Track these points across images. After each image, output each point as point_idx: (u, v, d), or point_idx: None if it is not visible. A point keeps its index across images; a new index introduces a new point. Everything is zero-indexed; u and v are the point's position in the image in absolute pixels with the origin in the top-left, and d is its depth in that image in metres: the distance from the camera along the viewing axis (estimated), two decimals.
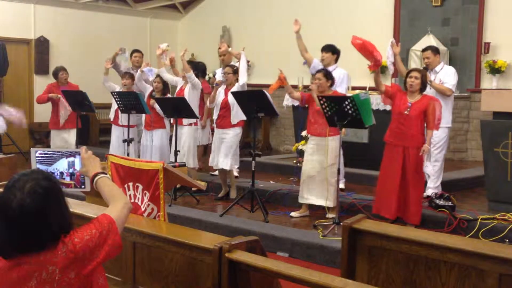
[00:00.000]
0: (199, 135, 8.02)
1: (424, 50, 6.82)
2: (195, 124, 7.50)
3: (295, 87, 9.60)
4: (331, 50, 6.92)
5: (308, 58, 7.08)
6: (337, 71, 6.85)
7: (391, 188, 5.77)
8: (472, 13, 9.36)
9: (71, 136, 8.52)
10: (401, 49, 10.01)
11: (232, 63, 7.57)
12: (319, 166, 6.14)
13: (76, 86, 8.64)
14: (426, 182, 6.58)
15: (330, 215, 6.17)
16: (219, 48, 7.88)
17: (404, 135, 5.75)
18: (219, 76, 7.39)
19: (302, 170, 6.36)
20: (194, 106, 7.31)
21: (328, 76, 6.19)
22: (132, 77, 8.01)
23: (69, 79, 8.81)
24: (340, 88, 6.69)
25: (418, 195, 5.80)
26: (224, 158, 6.89)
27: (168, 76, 7.68)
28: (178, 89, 7.66)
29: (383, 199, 5.87)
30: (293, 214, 6.44)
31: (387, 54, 6.75)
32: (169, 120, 7.66)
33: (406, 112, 5.75)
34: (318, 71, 6.32)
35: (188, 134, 7.39)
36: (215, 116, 7.27)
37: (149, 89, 7.82)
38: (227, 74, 6.99)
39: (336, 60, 6.95)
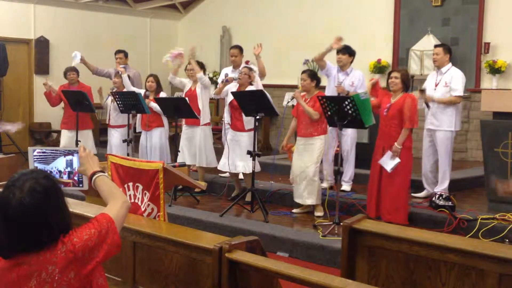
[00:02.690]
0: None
1: (436, 46, 6.78)
2: (208, 124, 7.50)
3: (295, 86, 9.63)
4: (348, 52, 6.92)
5: (321, 63, 7.03)
6: (356, 73, 6.92)
7: (371, 188, 5.98)
8: (472, 13, 9.36)
9: (84, 137, 8.29)
10: (401, 49, 10.09)
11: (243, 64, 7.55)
12: (303, 166, 6.23)
13: (88, 87, 8.54)
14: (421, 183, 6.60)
15: (317, 213, 6.25)
16: (233, 47, 7.82)
17: (384, 135, 5.88)
18: (230, 75, 7.37)
19: (291, 170, 6.44)
20: (206, 105, 7.38)
21: (313, 76, 6.29)
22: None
23: (78, 78, 8.78)
24: (361, 90, 6.72)
25: (397, 194, 5.80)
26: (242, 162, 6.78)
27: (177, 81, 7.65)
28: (186, 90, 7.57)
29: (369, 199, 6.06)
30: (294, 210, 6.51)
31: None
32: (178, 121, 7.58)
33: (385, 112, 5.86)
34: (303, 72, 6.43)
35: (204, 133, 7.36)
36: (225, 118, 7.24)
37: (141, 91, 7.76)
38: (243, 74, 6.89)
39: (351, 62, 6.96)
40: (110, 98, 7.83)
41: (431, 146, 6.55)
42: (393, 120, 5.79)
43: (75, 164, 2.85)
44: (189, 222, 6.03)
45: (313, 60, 7.31)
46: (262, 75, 7.32)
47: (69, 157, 2.87)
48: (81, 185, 2.91)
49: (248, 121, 6.79)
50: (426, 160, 6.63)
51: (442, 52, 6.50)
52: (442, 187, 6.45)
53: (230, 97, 6.88)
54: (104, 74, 9.14)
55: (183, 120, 7.49)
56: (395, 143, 5.71)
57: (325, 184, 6.95)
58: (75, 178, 2.88)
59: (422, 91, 6.41)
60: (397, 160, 5.72)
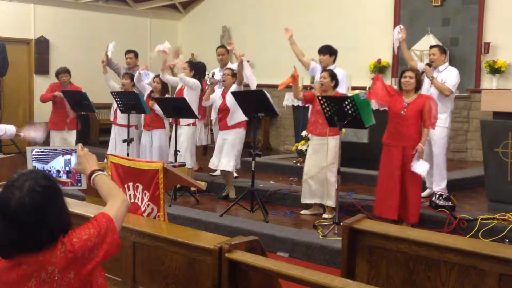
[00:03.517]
0: (198, 135, 8.01)
1: (432, 47, 6.88)
2: (194, 124, 7.49)
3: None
4: (329, 52, 6.92)
5: (305, 62, 7.11)
6: (337, 72, 6.86)
7: (392, 189, 5.77)
8: (472, 13, 9.37)
9: (71, 136, 8.53)
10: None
11: (229, 64, 7.59)
12: (319, 166, 6.16)
13: (79, 88, 8.62)
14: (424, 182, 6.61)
15: (326, 215, 6.19)
16: (220, 47, 7.90)
17: (401, 135, 5.77)
18: (217, 76, 7.40)
19: (304, 169, 6.38)
20: (193, 105, 7.31)
21: (333, 76, 6.22)
22: (131, 77, 8.03)
23: (70, 79, 8.81)
24: (341, 88, 6.71)
25: (417, 195, 5.80)
26: (224, 159, 6.87)
27: (170, 78, 7.69)
28: (178, 89, 7.66)
29: (384, 201, 5.85)
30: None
31: (393, 38, 6.86)
32: (169, 120, 7.65)
33: (402, 112, 5.77)
34: (324, 71, 6.37)
35: (186, 134, 7.38)
36: (212, 117, 7.27)
37: (148, 89, 7.82)
38: (226, 76, 6.98)
39: (334, 61, 6.96)
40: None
41: (429, 144, 6.58)
42: (411, 120, 5.72)
43: (74, 163, 2.82)
44: (189, 222, 6.02)
45: (298, 59, 7.30)
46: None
47: (67, 157, 2.85)
48: (79, 184, 2.88)
49: (231, 118, 6.83)
50: (427, 159, 6.63)
51: (438, 52, 6.59)
52: (440, 186, 6.47)
53: (218, 100, 6.98)
54: (115, 68, 9.12)
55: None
56: (420, 144, 5.66)
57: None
58: (74, 177, 2.86)
59: (429, 65, 6.50)
60: (428, 164, 5.73)
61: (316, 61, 7.09)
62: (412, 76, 5.81)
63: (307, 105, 6.82)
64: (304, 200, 6.36)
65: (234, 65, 7.57)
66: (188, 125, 7.39)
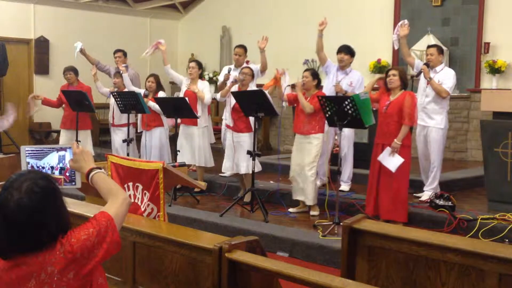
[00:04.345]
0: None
1: (429, 46, 6.89)
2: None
3: (294, 87, 9.62)
4: (350, 53, 6.92)
5: (323, 57, 7.04)
6: (355, 74, 6.92)
7: (371, 186, 5.94)
8: (472, 13, 9.37)
9: (86, 138, 8.42)
10: None
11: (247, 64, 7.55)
12: (302, 164, 6.24)
13: (87, 87, 8.55)
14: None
15: (313, 213, 6.29)
16: (238, 47, 7.83)
17: (384, 133, 5.86)
18: (233, 74, 7.35)
19: (290, 167, 6.47)
20: (205, 107, 7.43)
21: (315, 76, 6.31)
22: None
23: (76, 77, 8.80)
24: (359, 91, 6.72)
25: (399, 192, 5.79)
26: (246, 163, 6.72)
27: (174, 74, 7.68)
28: (184, 88, 7.51)
29: (368, 197, 6.02)
30: (291, 210, 6.53)
31: (394, 32, 6.87)
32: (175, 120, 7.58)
33: (384, 110, 5.85)
34: (306, 70, 6.47)
35: (203, 134, 7.37)
36: (224, 117, 7.24)
37: (141, 91, 7.75)
38: (246, 75, 6.83)
39: (351, 62, 6.96)
40: (111, 96, 7.86)
41: (426, 145, 6.58)
42: (392, 118, 5.79)
43: (68, 160, 2.74)
44: (189, 222, 6.03)
45: (316, 53, 7.26)
46: (263, 69, 7.35)
47: (61, 153, 2.78)
48: (73, 183, 2.81)
49: (251, 122, 6.79)
50: (424, 160, 6.64)
51: (436, 52, 6.61)
52: (432, 185, 6.49)
53: (233, 99, 6.85)
54: (104, 70, 9.17)
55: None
56: (395, 139, 5.70)
57: (318, 182, 6.95)
58: (67, 174, 2.79)
59: (427, 65, 6.51)
60: (401, 159, 5.69)
61: (333, 61, 7.07)
62: (396, 74, 5.87)
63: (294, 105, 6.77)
64: (295, 196, 6.45)
65: (253, 65, 7.46)
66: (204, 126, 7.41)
